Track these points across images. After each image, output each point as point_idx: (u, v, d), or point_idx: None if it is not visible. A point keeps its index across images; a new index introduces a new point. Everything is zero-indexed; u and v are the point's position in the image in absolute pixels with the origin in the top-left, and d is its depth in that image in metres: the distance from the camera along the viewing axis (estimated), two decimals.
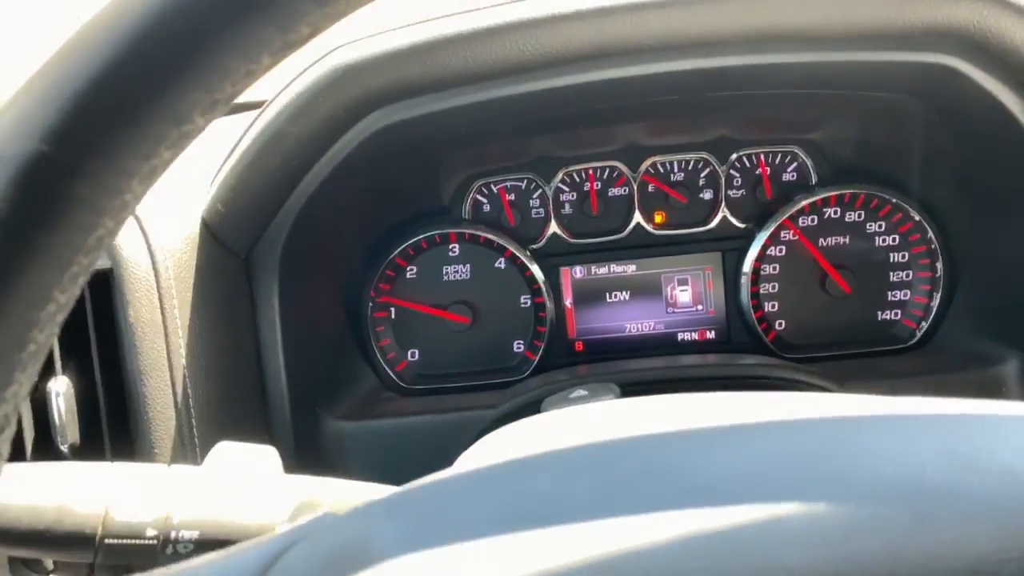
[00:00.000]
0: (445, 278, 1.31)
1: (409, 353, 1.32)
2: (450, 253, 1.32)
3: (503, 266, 1.32)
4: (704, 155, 1.31)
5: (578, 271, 1.33)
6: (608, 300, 1.33)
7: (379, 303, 1.31)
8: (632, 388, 1.02)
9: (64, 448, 0.93)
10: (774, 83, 1.01)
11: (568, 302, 1.33)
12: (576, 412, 0.70)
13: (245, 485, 0.65)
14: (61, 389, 0.92)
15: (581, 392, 0.90)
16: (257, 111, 0.96)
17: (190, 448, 0.93)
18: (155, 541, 0.60)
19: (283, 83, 0.92)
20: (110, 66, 0.32)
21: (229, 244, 1.01)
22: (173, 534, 0.60)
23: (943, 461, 0.35)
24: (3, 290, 0.32)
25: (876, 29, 0.86)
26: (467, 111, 0.95)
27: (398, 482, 0.72)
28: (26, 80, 0.34)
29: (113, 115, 0.33)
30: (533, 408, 1.10)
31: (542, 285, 1.30)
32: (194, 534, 0.61)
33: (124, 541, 0.60)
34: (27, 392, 0.34)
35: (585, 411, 0.70)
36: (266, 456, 0.72)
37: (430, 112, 0.94)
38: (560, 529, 0.35)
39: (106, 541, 0.60)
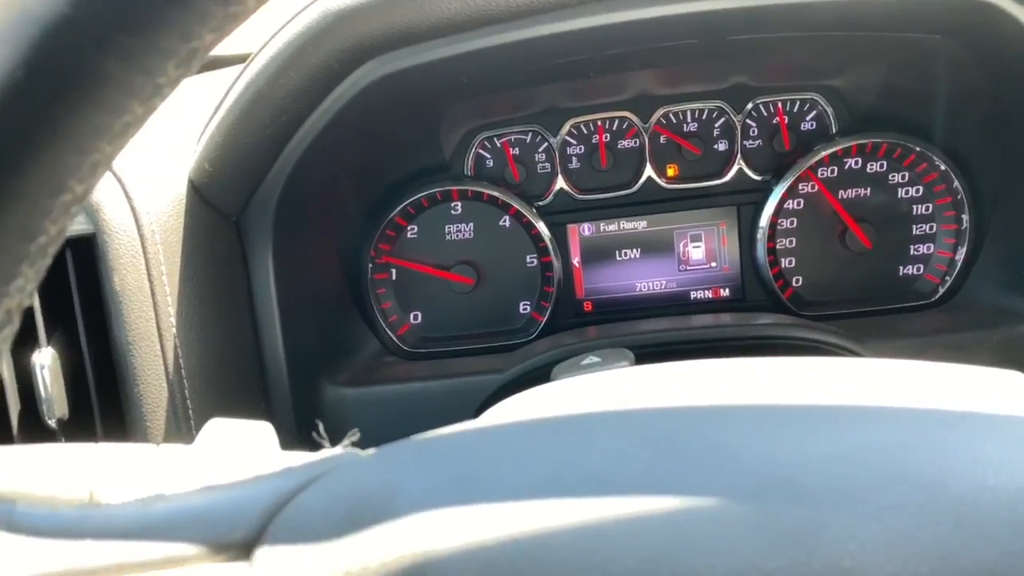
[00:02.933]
0: (447, 237, 1.26)
1: (411, 316, 1.27)
2: (452, 211, 1.26)
3: (508, 224, 1.26)
4: (719, 104, 1.24)
5: (586, 228, 1.27)
6: (618, 258, 1.28)
7: (379, 264, 1.25)
8: (645, 351, 0.97)
9: (51, 423, 0.89)
10: (799, 25, 0.94)
11: (576, 261, 1.28)
12: (593, 381, 0.66)
13: (239, 465, 0.61)
14: (46, 361, 0.88)
15: (593, 359, 0.85)
16: (244, 63, 0.89)
17: (184, 421, 0.89)
18: None
19: (270, 31, 0.85)
20: None
21: (219, 206, 0.95)
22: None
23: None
24: (17, 170, 0.29)
25: None
26: (469, 59, 0.89)
27: None
28: None
29: None
30: (542, 374, 1.06)
31: (548, 243, 1.25)
32: (170, 494, 0.57)
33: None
34: (32, 291, 0.32)
35: (603, 380, 0.65)
36: (261, 433, 0.68)
37: (429, 61, 0.87)
38: (594, 493, 0.32)
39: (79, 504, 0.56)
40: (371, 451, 0.41)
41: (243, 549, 0.34)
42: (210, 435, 0.65)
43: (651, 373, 0.64)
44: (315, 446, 0.66)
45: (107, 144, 0.31)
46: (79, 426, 0.89)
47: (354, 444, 0.53)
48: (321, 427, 0.79)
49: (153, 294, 0.87)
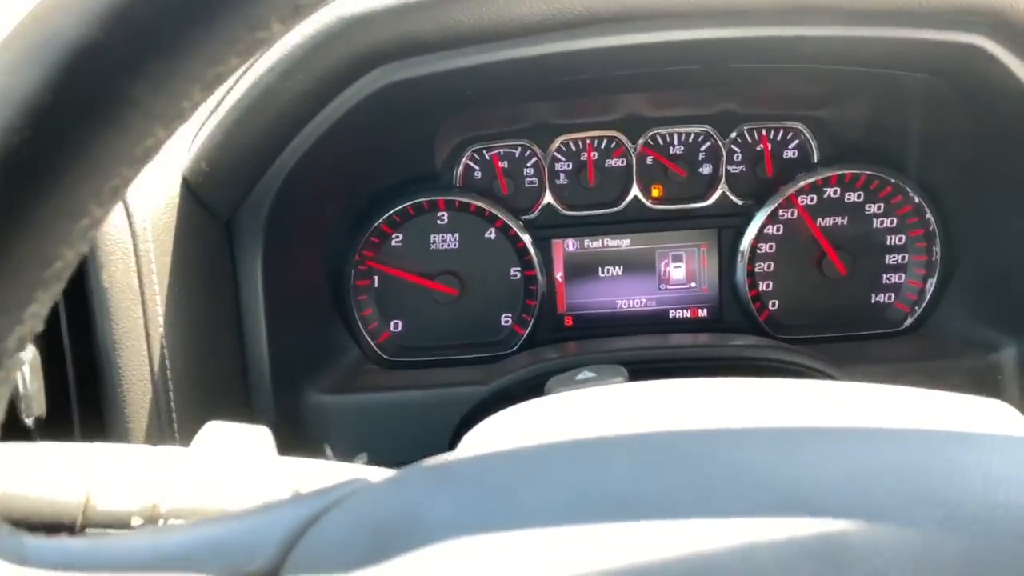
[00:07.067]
0: (432, 247, 1.26)
1: (392, 324, 1.27)
2: (438, 221, 1.26)
3: (493, 236, 1.27)
4: (706, 128, 1.27)
5: (571, 244, 1.29)
6: (600, 275, 1.29)
7: (361, 271, 1.24)
8: (626, 368, 0.98)
9: (29, 421, 0.86)
10: (794, 57, 0.97)
11: (559, 276, 1.29)
12: (594, 396, 0.66)
13: (237, 469, 0.60)
14: (27, 357, 0.85)
15: (588, 374, 0.86)
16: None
17: (167, 424, 0.87)
18: None
19: None
20: None
21: (211, 206, 0.94)
22: (160, 523, 0.56)
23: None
24: (37, 195, 0.29)
25: (909, 5, 0.83)
26: (474, 72, 0.89)
27: (384, 458, 0.68)
28: None
29: (186, 7, 0.29)
30: (527, 387, 1.06)
31: (533, 257, 1.25)
32: (182, 523, 0.56)
33: (107, 531, 0.55)
34: (44, 315, 0.31)
35: (606, 396, 0.66)
36: (259, 437, 0.67)
37: (436, 72, 0.88)
38: (619, 517, 0.32)
39: (87, 531, 0.55)
40: (385, 476, 0.40)
41: None
42: (207, 438, 0.64)
43: (651, 391, 0.64)
44: (301, 451, 0.66)
45: (128, 168, 0.31)
46: (57, 426, 0.87)
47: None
48: (329, 450, 0.78)
49: (142, 293, 0.85)
